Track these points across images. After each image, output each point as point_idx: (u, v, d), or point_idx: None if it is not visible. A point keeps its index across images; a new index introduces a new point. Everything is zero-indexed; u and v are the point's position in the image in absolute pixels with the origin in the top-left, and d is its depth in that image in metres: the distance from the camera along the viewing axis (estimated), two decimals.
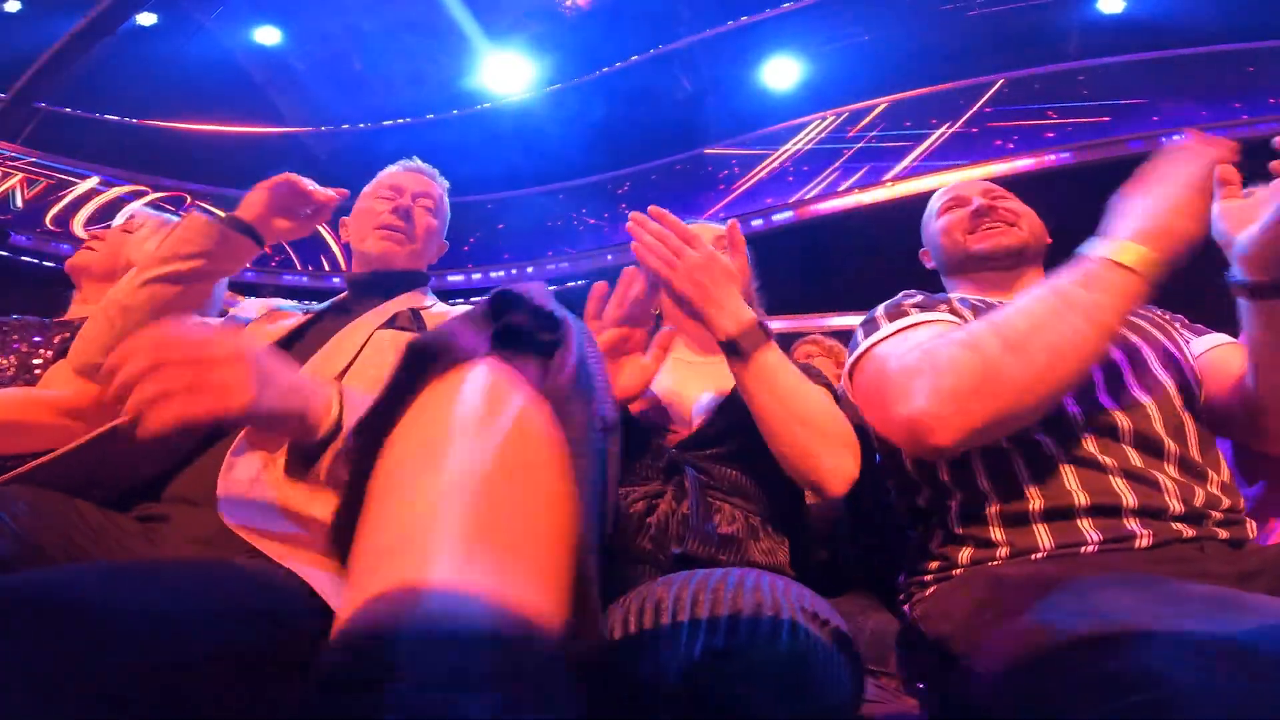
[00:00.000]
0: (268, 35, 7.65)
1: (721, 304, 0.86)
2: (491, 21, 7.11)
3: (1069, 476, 0.78)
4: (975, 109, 6.30)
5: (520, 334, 0.46)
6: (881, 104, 6.64)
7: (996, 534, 0.79)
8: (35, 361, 1.32)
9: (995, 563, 0.77)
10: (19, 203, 6.43)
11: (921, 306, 0.92)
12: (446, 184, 1.29)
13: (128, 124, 7.28)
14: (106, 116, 7.23)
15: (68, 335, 1.34)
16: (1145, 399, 0.84)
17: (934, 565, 0.83)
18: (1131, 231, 0.73)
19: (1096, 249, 0.74)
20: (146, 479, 0.84)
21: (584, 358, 0.45)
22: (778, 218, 6.55)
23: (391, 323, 1.07)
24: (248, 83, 7.74)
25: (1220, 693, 0.39)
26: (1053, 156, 5.80)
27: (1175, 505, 0.75)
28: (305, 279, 6.82)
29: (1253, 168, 0.89)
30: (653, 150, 7.31)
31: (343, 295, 1.19)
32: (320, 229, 1.37)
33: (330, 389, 0.69)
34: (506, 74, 7.53)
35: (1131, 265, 0.71)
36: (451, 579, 0.32)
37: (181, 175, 6.92)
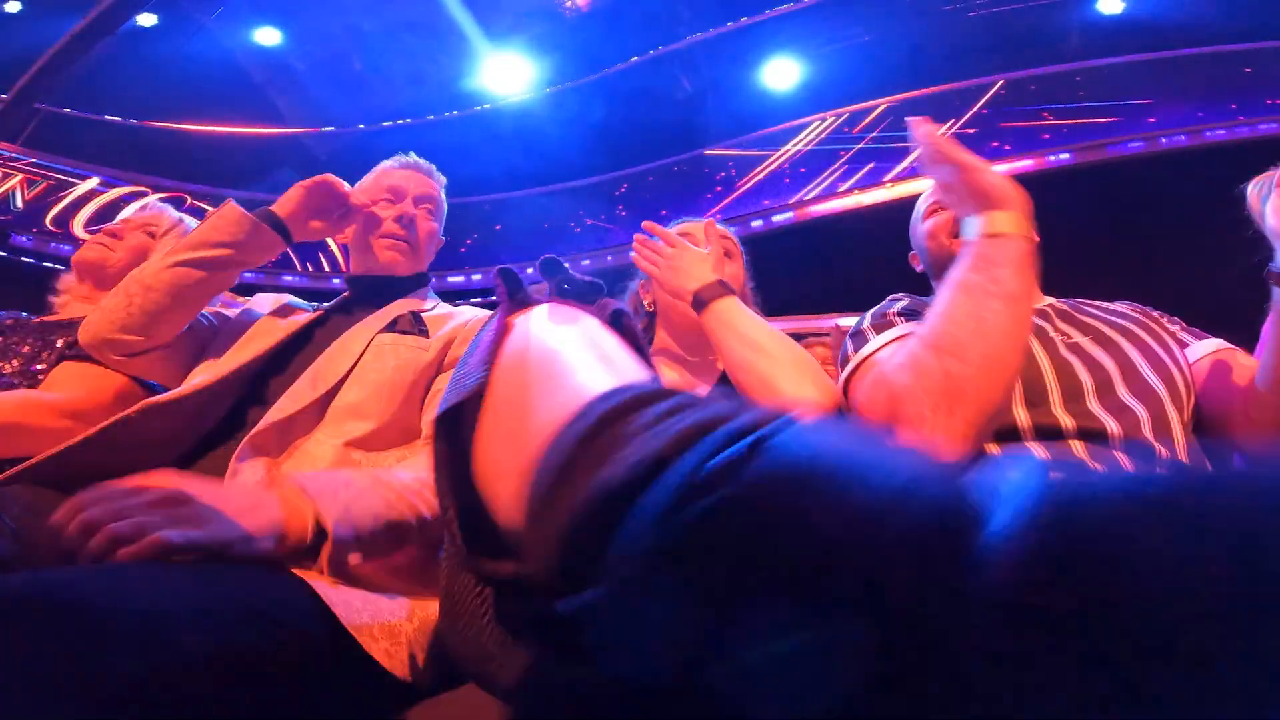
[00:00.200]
0: (268, 35, 7.64)
1: (687, 273, 1.04)
2: (491, 22, 7.11)
3: None
4: (975, 109, 6.30)
5: (569, 287, 0.53)
6: (881, 105, 6.64)
7: None
8: (38, 367, 1.28)
9: None
10: (19, 203, 6.43)
11: (906, 313, 0.93)
12: (443, 179, 1.29)
13: (128, 125, 7.27)
14: (107, 117, 7.23)
15: (71, 338, 1.32)
16: (1135, 404, 0.84)
17: None
18: (982, 206, 0.78)
19: (970, 232, 0.78)
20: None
21: (621, 308, 0.51)
22: (777, 218, 6.54)
23: (393, 326, 1.07)
24: (248, 83, 7.74)
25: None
26: (1052, 157, 5.80)
27: None
28: (305, 280, 6.82)
29: (1252, 167, 0.89)
30: (653, 151, 7.30)
31: (345, 295, 1.19)
32: None
33: (297, 497, 0.68)
34: (506, 75, 7.53)
35: (1004, 230, 0.75)
36: None
37: (181, 176, 6.91)
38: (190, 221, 1.54)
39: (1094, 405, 0.83)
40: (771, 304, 1.32)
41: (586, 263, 6.85)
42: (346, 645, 0.59)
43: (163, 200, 1.63)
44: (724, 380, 1.04)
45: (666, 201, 7.16)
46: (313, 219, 1.11)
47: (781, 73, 7.30)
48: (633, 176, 7.37)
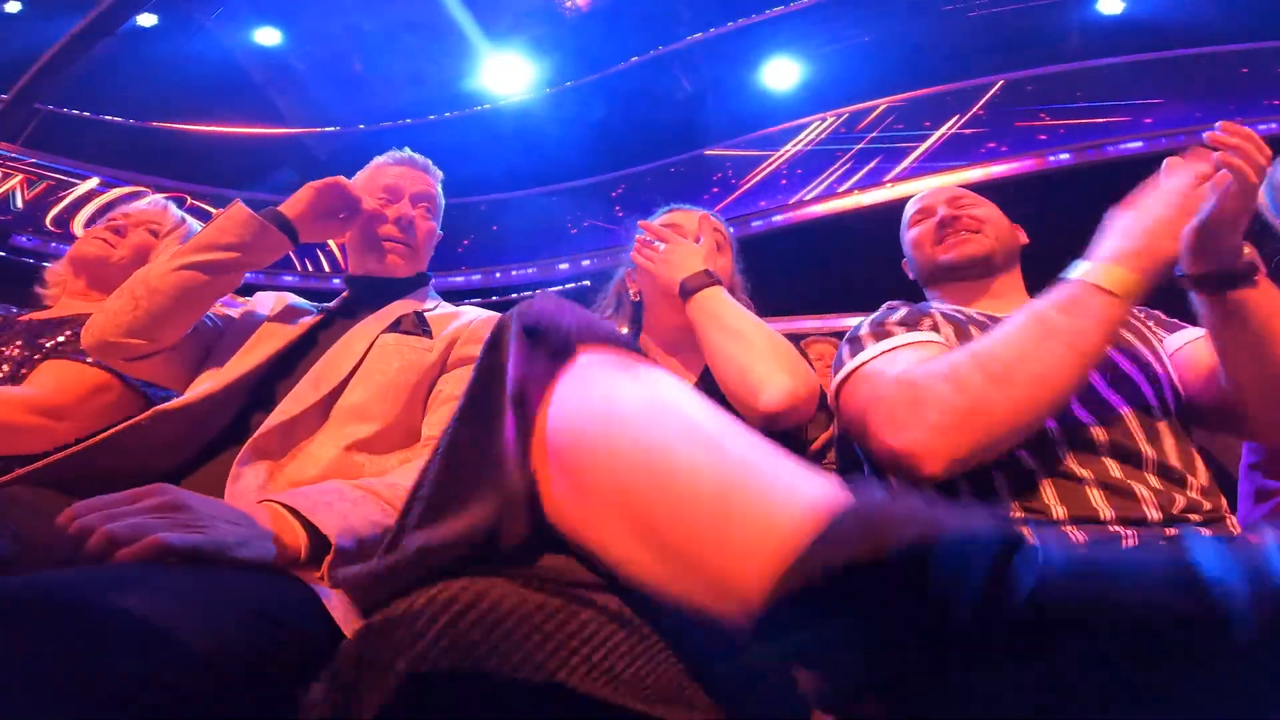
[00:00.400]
0: (268, 36, 7.64)
1: (676, 265, 1.07)
2: (491, 22, 7.11)
3: (1047, 491, 0.79)
4: (975, 110, 6.30)
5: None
6: (881, 105, 6.63)
7: None
8: (25, 371, 1.23)
9: None
10: (19, 203, 6.43)
11: (906, 323, 0.93)
12: (440, 174, 1.28)
13: (128, 125, 7.27)
14: (107, 117, 7.22)
15: (61, 336, 1.27)
16: (1123, 409, 0.84)
17: None
18: (1112, 253, 0.73)
19: (1078, 271, 0.74)
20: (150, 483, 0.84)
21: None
22: (777, 218, 6.54)
23: (396, 326, 1.07)
24: (248, 83, 7.73)
25: None
26: (1052, 157, 5.80)
27: (1153, 514, 0.75)
28: (305, 280, 6.82)
29: None
30: (652, 151, 7.29)
31: (345, 296, 1.19)
32: None
33: (284, 519, 0.68)
34: (506, 75, 7.52)
35: (1112, 289, 0.71)
36: None
37: (182, 176, 6.91)
38: (193, 222, 1.52)
39: (1080, 412, 0.83)
40: (771, 304, 1.33)
41: (586, 263, 6.86)
42: None
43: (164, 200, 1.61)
44: (708, 372, 1.05)
45: (665, 202, 7.09)
46: (320, 220, 1.11)
47: (781, 73, 7.29)
48: (632, 177, 7.36)
